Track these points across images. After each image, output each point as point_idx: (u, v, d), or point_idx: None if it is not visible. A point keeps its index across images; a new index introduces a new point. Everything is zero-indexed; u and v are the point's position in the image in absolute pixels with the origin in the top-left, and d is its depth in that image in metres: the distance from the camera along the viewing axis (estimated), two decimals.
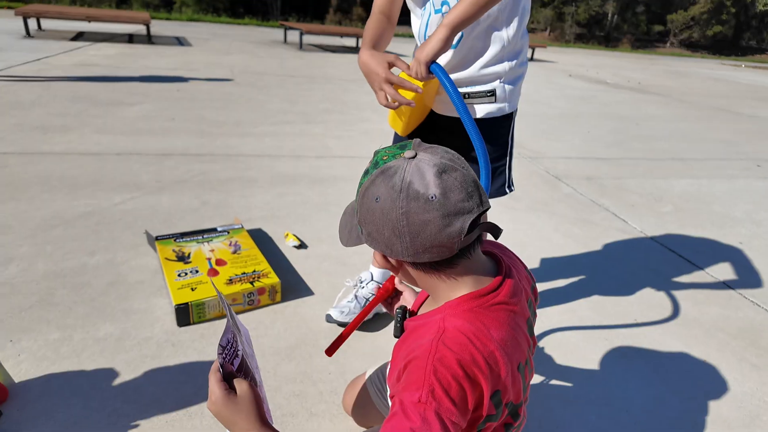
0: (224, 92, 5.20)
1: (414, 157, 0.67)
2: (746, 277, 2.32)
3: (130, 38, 8.92)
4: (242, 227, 2.10)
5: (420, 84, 1.17)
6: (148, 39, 8.71)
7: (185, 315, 1.57)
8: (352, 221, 0.77)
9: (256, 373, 0.79)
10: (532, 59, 12.95)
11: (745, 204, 3.29)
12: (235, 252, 1.88)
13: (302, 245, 2.18)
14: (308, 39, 12.02)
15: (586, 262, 2.29)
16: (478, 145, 1.10)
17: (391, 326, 1.68)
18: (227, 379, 0.75)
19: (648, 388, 1.53)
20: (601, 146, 4.52)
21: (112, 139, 3.33)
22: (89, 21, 8.03)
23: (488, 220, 0.74)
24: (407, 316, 0.86)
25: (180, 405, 1.29)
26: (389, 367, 0.83)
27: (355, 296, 1.71)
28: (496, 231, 0.70)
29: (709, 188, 3.55)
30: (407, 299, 1.01)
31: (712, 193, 3.46)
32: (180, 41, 9.42)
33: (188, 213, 2.37)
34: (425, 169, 0.65)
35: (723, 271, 2.33)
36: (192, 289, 1.62)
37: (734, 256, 2.52)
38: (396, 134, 1.49)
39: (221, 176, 2.87)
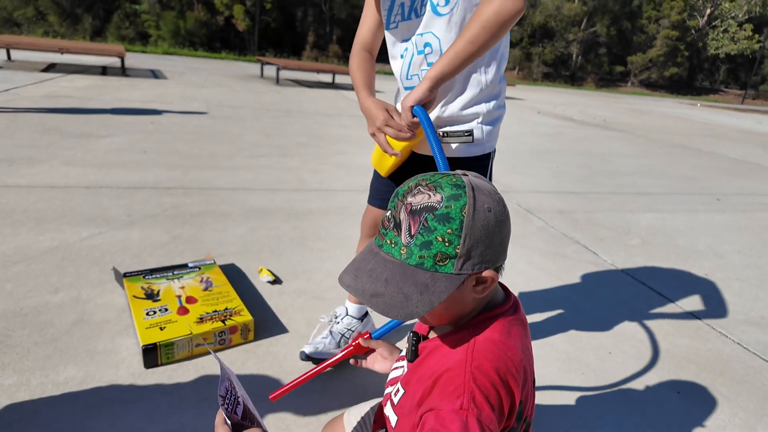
0: (199, 125, 5.18)
1: (467, 176, 0.71)
2: (712, 308, 2.39)
3: (104, 70, 8.86)
4: (214, 263, 2.05)
5: (400, 149, 1.25)
6: (122, 71, 8.68)
7: (153, 356, 1.51)
8: (416, 280, 0.66)
9: (258, 416, 0.76)
10: None
11: (707, 237, 3.43)
12: (206, 289, 1.83)
13: (276, 281, 2.14)
14: (285, 74, 12.20)
15: (561, 295, 2.32)
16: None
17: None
18: (235, 430, 0.71)
19: (624, 422, 1.53)
20: (570, 181, 4.67)
21: (81, 171, 3.25)
22: (62, 53, 7.97)
23: None
24: (421, 339, 0.84)
25: None
26: (400, 392, 0.80)
27: (330, 332, 1.68)
28: None
29: (673, 222, 3.69)
30: (383, 354, 1.00)
31: (675, 227, 3.59)
32: (155, 74, 9.42)
33: (158, 248, 2.31)
34: (484, 183, 0.71)
35: (690, 303, 2.40)
36: (161, 329, 1.57)
37: (700, 288, 2.60)
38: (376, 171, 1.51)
39: (194, 210, 2.82)
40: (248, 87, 9.22)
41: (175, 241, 2.41)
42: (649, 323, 2.15)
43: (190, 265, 2.00)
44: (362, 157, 4.60)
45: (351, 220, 2.92)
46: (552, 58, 30.52)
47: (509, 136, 6.72)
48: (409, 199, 0.67)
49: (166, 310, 1.67)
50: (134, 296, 1.73)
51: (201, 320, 1.63)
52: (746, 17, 34.88)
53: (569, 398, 1.61)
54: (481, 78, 1.25)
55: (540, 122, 9.06)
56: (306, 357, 1.61)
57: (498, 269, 0.71)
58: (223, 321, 1.64)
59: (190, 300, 1.75)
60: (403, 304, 0.66)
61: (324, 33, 24.07)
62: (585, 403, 1.60)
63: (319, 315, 1.86)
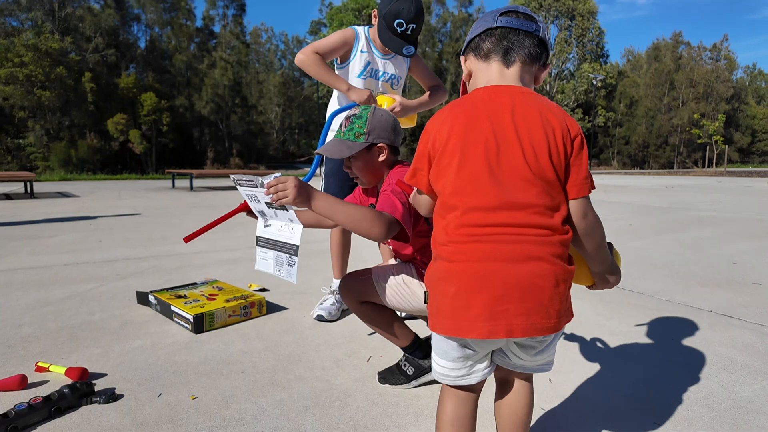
0: (137, 222, 5.64)
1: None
2: None
3: (8, 196, 8.81)
4: (216, 280, 2.67)
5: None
6: (31, 195, 8.72)
7: (200, 323, 2.10)
8: (347, 144, 1.52)
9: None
10: None
11: None
12: (220, 290, 2.46)
13: (264, 289, 2.80)
14: (196, 183, 12.78)
15: None
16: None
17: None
18: None
19: None
20: None
21: (51, 257, 3.63)
22: None
23: None
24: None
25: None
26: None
27: (335, 300, 2.37)
28: None
29: None
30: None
31: None
32: (65, 195, 9.51)
33: (158, 287, 2.85)
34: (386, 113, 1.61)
35: None
36: (201, 307, 2.17)
37: None
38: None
39: (172, 266, 3.37)
40: (166, 195, 9.67)
41: (169, 282, 2.96)
42: None
43: (198, 282, 2.61)
44: None
45: (304, 258, 3.66)
46: None
47: None
48: (347, 116, 1.60)
49: (198, 300, 2.28)
50: (169, 298, 2.31)
51: (228, 301, 2.26)
52: (576, 103, 43.34)
53: None
54: None
55: None
56: (321, 318, 2.28)
57: (390, 148, 1.58)
58: (244, 299, 2.29)
59: (212, 295, 2.36)
60: (336, 153, 1.52)
61: (223, 148, 25.26)
62: None
63: (304, 304, 2.55)
